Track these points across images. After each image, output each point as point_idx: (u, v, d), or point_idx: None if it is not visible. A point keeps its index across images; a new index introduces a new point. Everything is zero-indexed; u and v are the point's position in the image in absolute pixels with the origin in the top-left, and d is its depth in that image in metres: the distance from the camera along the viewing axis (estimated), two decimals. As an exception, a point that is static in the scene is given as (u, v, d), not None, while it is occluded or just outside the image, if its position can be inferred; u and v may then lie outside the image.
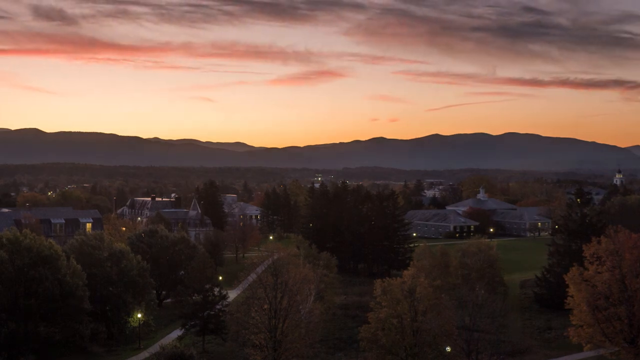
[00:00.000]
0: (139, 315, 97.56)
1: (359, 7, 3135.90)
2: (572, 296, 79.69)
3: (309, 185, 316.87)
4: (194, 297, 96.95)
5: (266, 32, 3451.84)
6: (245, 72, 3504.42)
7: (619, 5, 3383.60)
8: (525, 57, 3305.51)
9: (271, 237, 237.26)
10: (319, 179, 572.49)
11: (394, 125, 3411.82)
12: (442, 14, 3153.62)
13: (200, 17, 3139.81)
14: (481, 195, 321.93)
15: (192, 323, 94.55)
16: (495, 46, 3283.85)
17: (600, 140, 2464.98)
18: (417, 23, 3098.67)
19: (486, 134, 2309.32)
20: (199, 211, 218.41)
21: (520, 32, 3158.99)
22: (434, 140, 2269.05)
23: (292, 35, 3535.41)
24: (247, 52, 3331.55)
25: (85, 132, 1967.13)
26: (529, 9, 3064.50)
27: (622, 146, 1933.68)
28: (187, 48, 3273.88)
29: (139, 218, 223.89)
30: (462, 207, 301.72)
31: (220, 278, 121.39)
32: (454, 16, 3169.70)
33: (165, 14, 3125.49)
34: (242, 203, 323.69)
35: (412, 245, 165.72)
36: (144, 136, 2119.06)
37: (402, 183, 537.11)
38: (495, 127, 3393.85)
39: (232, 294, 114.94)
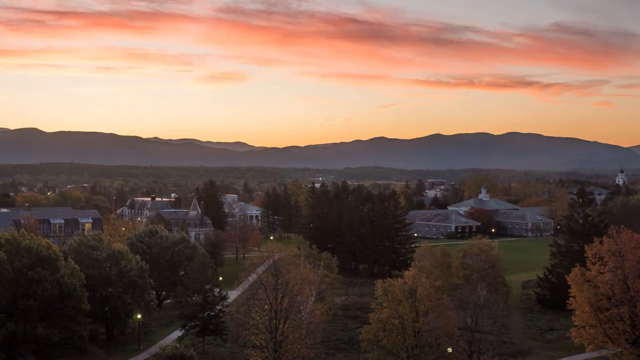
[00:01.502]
0: (139, 316, 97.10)
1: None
2: (574, 297, 79.40)
3: (309, 185, 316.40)
4: (193, 298, 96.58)
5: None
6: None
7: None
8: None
9: (272, 238, 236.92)
10: (320, 179, 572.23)
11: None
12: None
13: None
14: (483, 195, 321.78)
15: (192, 324, 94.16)
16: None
17: (602, 140, 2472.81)
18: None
19: (488, 134, 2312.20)
20: (199, 211, 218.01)
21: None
22: (436, 140, 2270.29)
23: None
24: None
25: (85, 132, 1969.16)
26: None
27: (625, 146, 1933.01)
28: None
29: (139, 218, 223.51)
30: (463, 207, 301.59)
31: (220, 279, 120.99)
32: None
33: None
34: (242, 203, 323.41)
35: (413, 245, 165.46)
36: (144, 136, 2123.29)
37: (404, 183, 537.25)
38: (497, 127, 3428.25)
39: (233, 295, 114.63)
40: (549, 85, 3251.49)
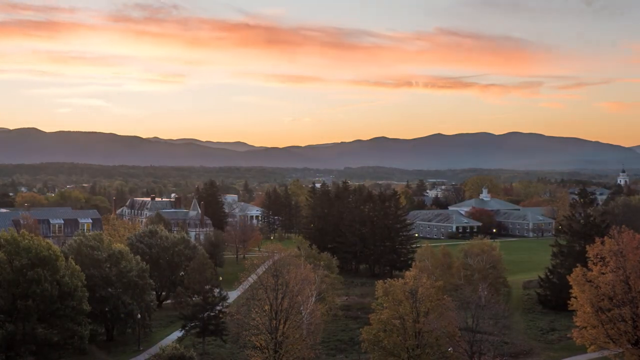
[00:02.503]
0: (138, 317, 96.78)
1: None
2: (575, 297, 79.31)
3: (310, 185, 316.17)
4: (194, 298, 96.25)
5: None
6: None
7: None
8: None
9: (272, 238, 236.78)
10: (320, 179, 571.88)
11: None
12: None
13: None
14: (484, 195, 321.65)
15: (192, 324, 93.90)
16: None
17: (604, 140, 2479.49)
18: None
19: (489, 134, 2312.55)
20: (199, 211, 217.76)
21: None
22: (437, 140, 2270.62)
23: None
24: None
25: (85, 132, 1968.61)
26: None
27: (626, 146, 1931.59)
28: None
29: (139, 218, 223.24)
30: (464, 208, 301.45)
31: (221, 279, 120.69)
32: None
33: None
34: (242, 203, 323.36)
35: (414, 245, 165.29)
36: (144, 136, 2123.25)
37: (404, 183, 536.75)
38: (498, 127, 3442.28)
39: (233, 295, 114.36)
40: (488, 86, 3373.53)
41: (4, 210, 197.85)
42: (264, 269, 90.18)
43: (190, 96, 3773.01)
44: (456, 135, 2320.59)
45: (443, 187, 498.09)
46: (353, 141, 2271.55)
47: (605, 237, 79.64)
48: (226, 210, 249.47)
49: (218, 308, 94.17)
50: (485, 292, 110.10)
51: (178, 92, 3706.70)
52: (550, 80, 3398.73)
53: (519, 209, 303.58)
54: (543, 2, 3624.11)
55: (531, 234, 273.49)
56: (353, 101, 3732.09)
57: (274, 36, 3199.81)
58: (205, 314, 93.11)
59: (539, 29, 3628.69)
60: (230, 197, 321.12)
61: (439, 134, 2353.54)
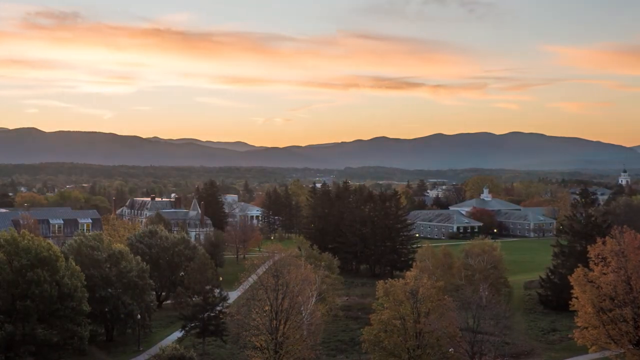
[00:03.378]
0: (138, 317, 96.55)
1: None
2: (576, 297, 79.18)
3: (310, 185, 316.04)
4: (194, 299, 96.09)
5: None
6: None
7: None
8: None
9: (272, 238, 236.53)
10: (321, 178, 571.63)
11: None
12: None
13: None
14: (485, 195, 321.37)
15: (192, 325, 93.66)
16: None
17: (605, 139, 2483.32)
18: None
19: (490, 134, 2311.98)
20: (199, 211, 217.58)
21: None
22: (437, 140, 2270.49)
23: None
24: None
25: (84, 132, 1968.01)
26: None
27: (628, 145, 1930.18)
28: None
29: (139, 218, 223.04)
30: (465, 208, 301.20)
31: (221, 279, 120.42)
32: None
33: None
34: (242, 203, 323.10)
35: (414, 246, 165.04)
36: (144, 135, 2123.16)
37: (405, 183, 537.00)
38: (499, 127, 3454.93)
39: (233, 296, 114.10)
40: (438, 87, 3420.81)
41: (3, 210, 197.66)
42: (264, 269, 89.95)
43: (149, 97, 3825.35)
44: (457, 135, 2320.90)
45: (444, 187, 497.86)
46: (353, 141, 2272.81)
47: (607, 237, 79.51)
48: (226, 211, 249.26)
49: (218, 308, 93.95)
50: (486, 293, 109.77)
51: (132, 92, 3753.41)
52: (492, 81, 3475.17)
53: (520, 209, 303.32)
54: (431, 8, 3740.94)
55: (532, 234, 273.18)
56: (310, 102, 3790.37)
57: (190, 41, 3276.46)
58: (206, 315, 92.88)
59: (442, 32, 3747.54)
60: (231, 197, 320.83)
61: (440, 134, 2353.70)
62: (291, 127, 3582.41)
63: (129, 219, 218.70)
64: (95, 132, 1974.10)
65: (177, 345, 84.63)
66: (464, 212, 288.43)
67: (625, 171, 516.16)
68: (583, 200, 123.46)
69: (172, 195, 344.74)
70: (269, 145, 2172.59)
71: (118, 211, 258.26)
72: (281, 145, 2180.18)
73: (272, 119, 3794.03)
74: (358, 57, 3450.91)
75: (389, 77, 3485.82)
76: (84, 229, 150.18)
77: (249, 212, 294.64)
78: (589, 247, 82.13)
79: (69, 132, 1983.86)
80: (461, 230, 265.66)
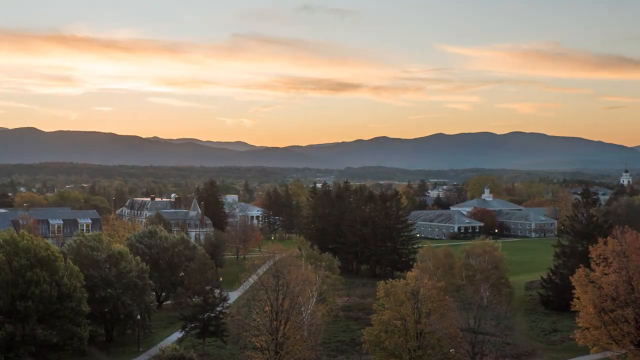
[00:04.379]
0: (138, 318, 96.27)
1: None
2: (578, 298, 79.02)
3: (310, 186, 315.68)
4: (194, 299, 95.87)
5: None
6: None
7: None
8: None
9: (272, 238, 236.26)
10: (321, 178, 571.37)
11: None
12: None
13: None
14: (486, 195, 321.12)
15: (192, 325, 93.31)
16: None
17: (606, 139, 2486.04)
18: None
19: (491, 133, 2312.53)
20: (199, 212, 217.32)
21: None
22: (438, 140, 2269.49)
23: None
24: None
25: (84, 132, 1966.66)
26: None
27: (629, 145, 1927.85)
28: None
29: (138, 219, 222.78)
30: (466, 208, 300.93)
31: (221, 279, 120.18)
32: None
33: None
34: (243, 203, 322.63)
35: (415, 246, 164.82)
36: (144, 135, 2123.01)
37: (406, 183, 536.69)
38: (500, 127, 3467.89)
39: (233, 296, 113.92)
40: (378, 87, 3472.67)
41: (3, 210, 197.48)
42: (265, 270, 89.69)
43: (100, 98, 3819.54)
44: (458, 134, 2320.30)
45: (445, 187, 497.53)
46: (354, 141, 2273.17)
47: (608, 238, 79.39)
48: (226, 211, 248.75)
49: (218, 309, 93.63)
50: (487, 293, 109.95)
51: (82, 94, 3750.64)
52: (425, 82, 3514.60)
53: (521, 209, 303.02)
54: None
55: (533, 235, 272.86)
56: (266, 103, 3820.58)
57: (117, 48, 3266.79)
58: (206, 315, 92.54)
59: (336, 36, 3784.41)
60: (231, 197, 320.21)
61: (441, 134, 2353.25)
62: (266, 127, 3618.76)
63: (128, 219, 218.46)
64: (95, 132, 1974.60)
65: (177, 346, 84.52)
66: (465, 212, 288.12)
67: (626, 171, 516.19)
68: (584, 200, 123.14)
69: (172, 195, 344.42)
70: (269, 145, 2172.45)
71: (118, 211, 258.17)
72: (281, 145, 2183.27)
73: (239, 120, 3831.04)
74: (273, 60, 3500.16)
75: (322, 79, 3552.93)
76: (83, 229, 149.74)
77: (249, 212, 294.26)
78: (590, 247, 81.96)
79: (68, 132, 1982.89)
80: (462, 231, 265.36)
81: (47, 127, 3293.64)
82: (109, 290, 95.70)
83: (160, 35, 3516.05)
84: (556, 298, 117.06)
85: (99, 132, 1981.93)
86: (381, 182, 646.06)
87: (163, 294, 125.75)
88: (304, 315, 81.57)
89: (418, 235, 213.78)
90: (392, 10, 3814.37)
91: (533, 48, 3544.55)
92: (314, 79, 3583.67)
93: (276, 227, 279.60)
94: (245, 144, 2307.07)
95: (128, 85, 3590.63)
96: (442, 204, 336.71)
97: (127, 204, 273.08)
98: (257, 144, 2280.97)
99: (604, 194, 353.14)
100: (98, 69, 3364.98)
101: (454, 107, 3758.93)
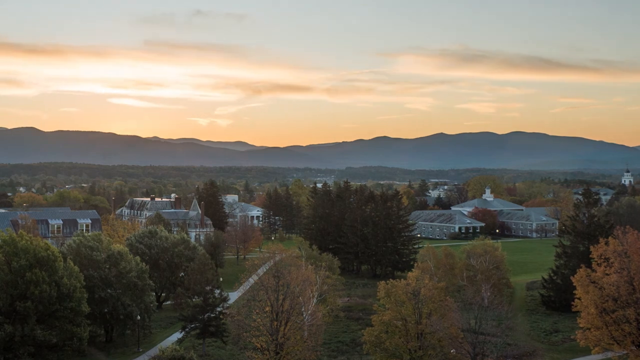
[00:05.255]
0: (138, 318, 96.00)
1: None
2: (579, 298, 78.82)
3: (311, 185, 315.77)
4: (194, 300, 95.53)
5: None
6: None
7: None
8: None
9: (273, 238, 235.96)
10: (322, 178, 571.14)
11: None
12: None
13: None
14: (487, 195, 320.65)
15: (192, 326, 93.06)
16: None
17: (608, 139, 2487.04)
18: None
19: (492, 133, 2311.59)
20: (199, 212, 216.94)
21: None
22: (439, 140, 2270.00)
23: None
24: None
25: (83, 131, 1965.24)
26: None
27: (631, 145, 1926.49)
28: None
29: (138, 219, 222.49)
30: (467, 208, 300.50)
31: (221, 280, 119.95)
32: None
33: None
34: (243, 203, 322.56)
35: (416, 246, 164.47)
36: (143, 135, 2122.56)
37: (407, 183, 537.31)
38: (501, 126, 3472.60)
39: (233, 296, 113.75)
40: (330, 88, 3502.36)
41: (2, 210, 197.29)
42: (265, 270, 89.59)
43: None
44: (459, 134, 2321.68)
45: (445, 187, 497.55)
46: (355, 141, 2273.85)
47: (610, 238, 79.27)
48: (226, 211, 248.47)
49: (218, 309, 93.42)
50: (488, 293, 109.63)
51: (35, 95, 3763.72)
52: (373, 84, 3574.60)
53: (522, 209, 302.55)
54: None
55: (534, 235, 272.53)
56: (231, 104, 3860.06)
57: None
58: (206, 315, 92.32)
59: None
60: (231, 197, 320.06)
61: (442, 133, 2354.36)
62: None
63: (128, 219, 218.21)
64: (95, 132, 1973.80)
65: (177, 347, 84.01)
66: (465, 213, 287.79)
67: (628, 171, 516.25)
68: (586, 200, 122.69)
69: (172, 195, 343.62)
70: (270, 145, 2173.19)
71: (117, 211, 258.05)
72: (282, 145, 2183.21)
73: (215, 121, 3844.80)
74: (209, 63, 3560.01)
75: (270, 81, 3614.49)
76: (83, 230, 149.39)
77: (249, 213, 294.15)
78: (591, 247, 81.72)
79: (68, 131, 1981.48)
80: (463, 231, 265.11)
81: (46, 126, 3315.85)
82: (109, 290, 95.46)
83: (84, 40, 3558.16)
84: (557, 298, 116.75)
85: (99, 132, 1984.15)
86: (382, 182, 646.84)
87: (163, 294, 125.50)
88: (304, 315, 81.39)
89: (419, 235, 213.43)
90: (287, 12, 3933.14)
91: (465, 50, 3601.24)
92: (264, 81, 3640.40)
93: (276, 227, 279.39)
94: (246, 143, 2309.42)
95: (81, 88, 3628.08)
96: (443, 204, 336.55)
97: (126, 204, 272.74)
98: (258, 144, 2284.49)
99: (605, 194, 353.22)
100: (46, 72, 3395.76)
101: (414, 107, 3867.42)
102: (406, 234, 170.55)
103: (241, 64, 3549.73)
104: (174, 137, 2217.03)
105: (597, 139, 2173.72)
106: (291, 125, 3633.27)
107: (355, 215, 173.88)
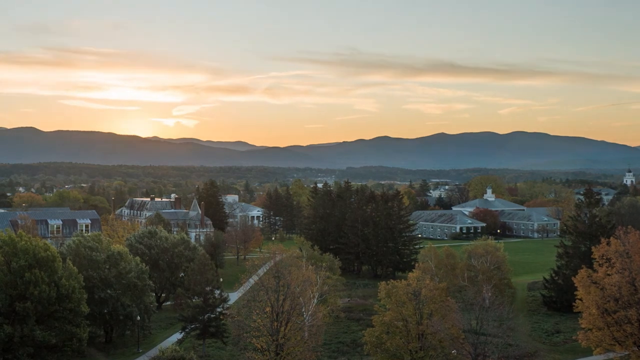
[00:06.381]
0: (138, 319, 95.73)
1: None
2: (581, 299, 78.66)
3: (311, 186, 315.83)
4: (194, 300, 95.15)
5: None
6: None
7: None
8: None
9: (273, 239, 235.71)
10: (322, 178, 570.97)
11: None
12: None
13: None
14: (488, 195, 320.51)
15: (192, 326, 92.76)
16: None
17: (609, 139, 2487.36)
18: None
19: (493, 133, 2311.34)
20: (199, 212, 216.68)
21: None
22: (440, 140, 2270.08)
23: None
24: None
25: (83, 131, 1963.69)
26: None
27: (632, 145, 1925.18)
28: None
29: (138, 219, 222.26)
30: (468, 208, 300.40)
31: (221, 280, 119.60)
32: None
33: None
34: (243, 203, 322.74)
35: (417, 246, 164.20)
36: (143, 135, 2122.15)
37: (408, 183, 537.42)
38: (502, 126, 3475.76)
39: (233, 297, 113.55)
40: (269, 89, 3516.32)
41: (1, 210, 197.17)
42: (265, 270, 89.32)
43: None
44: (460, 134, 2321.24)
45: (447, 187, 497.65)
46: (355, 140, 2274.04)
47: (611, 238, 79.12)
48: (227, 211, 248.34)
49: (218, 310, 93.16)
50: (490, 294, 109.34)
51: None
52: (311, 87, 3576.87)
53: (523, 210, 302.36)
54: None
55: (536, 235, 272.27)
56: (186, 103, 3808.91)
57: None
58: (206, 316, 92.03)
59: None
60: (231, 198, 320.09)
61: (443, 133, 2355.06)
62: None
63: (128, 220, 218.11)
64: (94, 132, 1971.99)
65: (177, 347, 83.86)
66: (467, 213, 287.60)
67: (630, 171, 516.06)
68: (587, 200, 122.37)
69: (172, 195, 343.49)
70: (270, 145, 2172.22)
71: (117, 211, 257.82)
72: (282, 145, 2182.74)
73: (180, 122, 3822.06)
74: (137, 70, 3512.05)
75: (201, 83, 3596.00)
76: (82, 230, 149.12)
77: (249, 213, 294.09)
78: (593, 247, 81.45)
79: (67, 131, 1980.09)
80: (464, 231, 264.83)
81: (46, 126, 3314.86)
82: (109, 291, 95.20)
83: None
84: (559, 299, 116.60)
85: (98, 132, 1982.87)
86: (383, 182, 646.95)
87: (163, 294, 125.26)
88: (304, 316, 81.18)
89: (420, 235, 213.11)
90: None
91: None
92: (194, 84, 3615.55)
93: (277, 227, 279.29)
94: (246, 143, 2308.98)
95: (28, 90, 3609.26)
96: (444, 204, 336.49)
97: (126, 204, 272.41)
98: (258, 144, 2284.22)
99: (607, 194, 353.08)
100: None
101: (361, 108, 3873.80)
102: (407, 234, 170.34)
103: (162, 68, 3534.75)
104: (174, 137, 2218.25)
105: (599, 139, 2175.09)
106: (242, 124, 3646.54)
107: (356, 215, 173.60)
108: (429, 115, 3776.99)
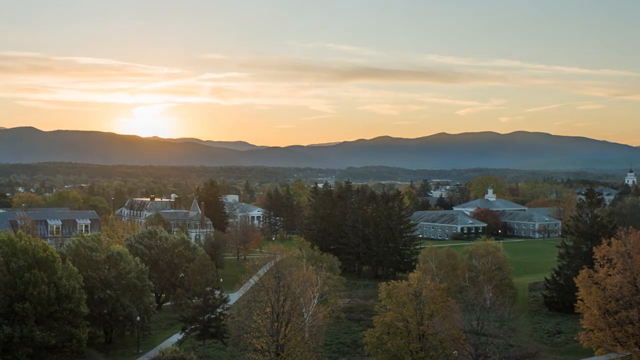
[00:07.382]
0: (138, 319, 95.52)
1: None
2: (582, 299, 78.72)
3: (312, 186, 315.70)
4: (194, 300, 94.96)
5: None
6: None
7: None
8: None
9: (273, 239, 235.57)
10: (322, 179, 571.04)
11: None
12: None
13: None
14: (489, 195, 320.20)
15: (192, 327, 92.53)
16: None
17: (611, 139, 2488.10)
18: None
19: (494, 133, 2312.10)
20: (200, 212, 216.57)
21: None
22: (441, 140, 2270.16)
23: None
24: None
25: (82, 131, 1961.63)
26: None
27: (634, 145, 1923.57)
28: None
29: (138, 219, 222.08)
30: (469, 208, 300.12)
31: (221, 280, 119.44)
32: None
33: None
34: (243, 204, 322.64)
35: (418, 247, 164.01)
36: (143, 135, 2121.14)
37: (408, 183, 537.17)
38: (503, 126, 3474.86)
39: (234, 297, 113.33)
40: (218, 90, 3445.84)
41: (1, 210, 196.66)
42: (265, 271, 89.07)
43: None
44: (461, 134, 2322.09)
45: (447, 187, 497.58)
46: (356, 140, 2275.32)
47: (613, 238, 79.37)
48: (227, 211, 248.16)
49: (219, 310, 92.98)
50: (491, 294, 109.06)
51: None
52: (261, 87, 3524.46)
53: (524, 210, 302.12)
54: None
55: (537, 235, 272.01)
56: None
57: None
58: (206, 316, 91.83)
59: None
60: (231, 198, 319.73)
61: (444, 133, 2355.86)
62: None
63: (128, 220, 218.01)
64: (94, 132, 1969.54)
65: (177, 348, 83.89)
66: (468, 213, 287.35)
67: (631, 171, 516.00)
68: (589, 200, 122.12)
69: (172, 195, 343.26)
70: (270, 145, 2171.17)
71: (117, 212, 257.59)
72: (283, 145, 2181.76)
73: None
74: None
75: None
76: (82, 230, 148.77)
77: (249, 213, 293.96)
78: (594, 248, 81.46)
79: (67, 131, 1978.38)
80: (465, 231, 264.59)
81: (45, 126, 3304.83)
82: (108, 291, 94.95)
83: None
84: (560, 299, 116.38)
85: (98, 132, 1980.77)
86: (383, 182, 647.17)
87: (163, 295, 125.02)
88: (305, 316, 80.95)
89: (420, 235, 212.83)
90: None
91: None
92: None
93: (277, 227, 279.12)
94: (246, 143, 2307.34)
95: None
96: (445, 204, 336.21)
97: (126, 204, 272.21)
98: (258, 144, 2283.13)
99: (608, 194, 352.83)
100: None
101: (316, 109, 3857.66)
102: (408, 234, 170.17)
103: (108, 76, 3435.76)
104: (174, 137, 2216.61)
105: (600, 139, 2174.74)
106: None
107: (356, 215, 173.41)
108: (380, 116, 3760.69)
